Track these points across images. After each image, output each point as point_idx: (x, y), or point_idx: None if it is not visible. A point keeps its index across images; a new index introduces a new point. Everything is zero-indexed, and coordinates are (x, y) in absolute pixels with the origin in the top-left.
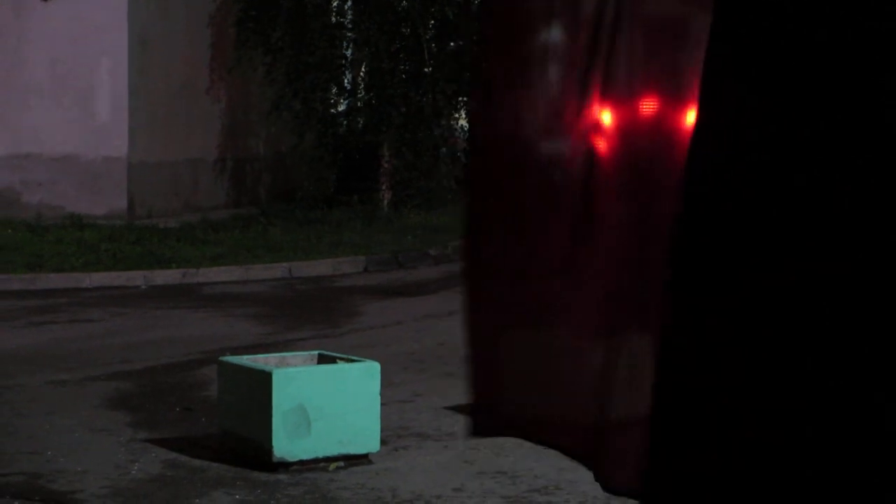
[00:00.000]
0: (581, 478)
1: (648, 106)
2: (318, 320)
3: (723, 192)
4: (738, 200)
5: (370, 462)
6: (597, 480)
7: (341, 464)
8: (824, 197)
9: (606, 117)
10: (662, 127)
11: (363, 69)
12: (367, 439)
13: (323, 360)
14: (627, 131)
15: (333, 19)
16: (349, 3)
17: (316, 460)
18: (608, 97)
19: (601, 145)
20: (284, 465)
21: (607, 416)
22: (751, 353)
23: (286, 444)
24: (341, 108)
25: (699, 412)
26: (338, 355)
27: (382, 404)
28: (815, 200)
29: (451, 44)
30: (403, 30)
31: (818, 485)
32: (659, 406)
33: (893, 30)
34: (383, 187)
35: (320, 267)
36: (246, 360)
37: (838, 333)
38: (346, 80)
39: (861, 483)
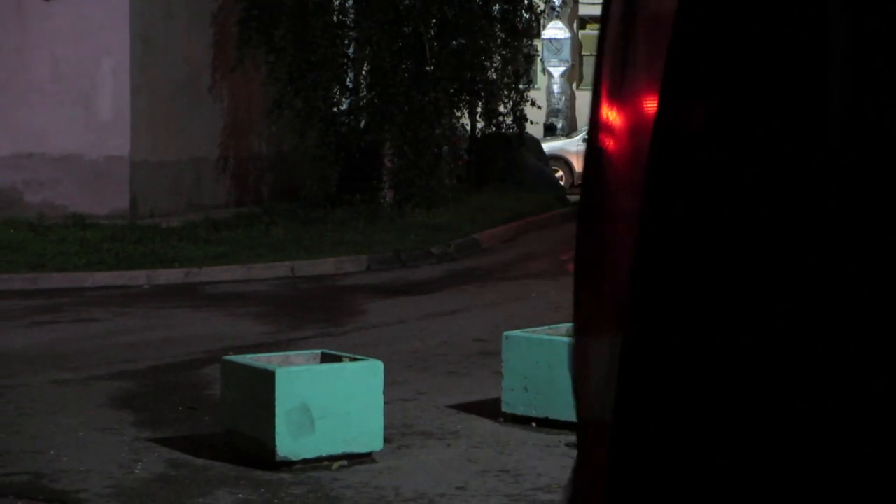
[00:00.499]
0: None
1: (652, 105)
2: (321, 319)
3: (676, 191)
4: (691, 199)
5: (373, 461)
6: None
7: (344, 462)
8: (777, 195)
9: (614, 116)
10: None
11: (365, 68)
12: (370, 438)
13: (326, 358)
14: (634, 130)
15: (335, 18)
16: (351, 2)
17: (319, 459)
18: (615, 95)
19: (610, 144)
20: (288, 464)
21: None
22: (705, 355)
23: (289, 442)
24: (343, 106)
25: (657, 417)
26: (341, 354)
27: (385, 403)
28: (767, 199)
29: (453, 42)
30: (405, 29)
31: (774, 489)
32: (619, 410)
33: (853, 27)
34: (385, 186)
35: (323, 266)
36: (249, 359)
37: (791, 335)
38: (347, 79)
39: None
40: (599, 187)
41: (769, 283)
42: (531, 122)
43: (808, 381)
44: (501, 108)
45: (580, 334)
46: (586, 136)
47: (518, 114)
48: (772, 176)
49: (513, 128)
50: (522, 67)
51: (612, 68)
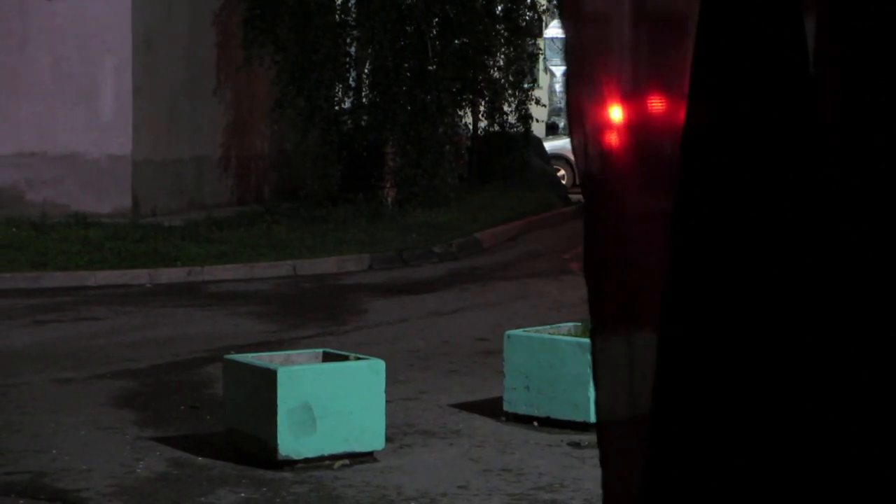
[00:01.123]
0: (585, 475)
1: (656, 104)
2: (323, 318)
3: (708, 193)
4: (723, 201)
5: (375, 460)
6: None
7: (346, 462)
8: (806, 198)
9: (616, 113)
10: (670, 124)
11: (367, 67)
12: (372, 437)
13: (328, 357)
14: (638, 127)
15: (337, 17)
16: (353, 1)
17: (321, 458)
18: (618, 93)
19: (612, 141)
20: (289, 463)
21: (628, 412)
22: (737, 354)
23: (291, 441)
24: (345, 105)
25: (695, 415)
26: (343, 353)
27: (387, 402)
28: (795, 201)
29: (455, 41)
30: (407, 28)
31: (808, 486)
32: (657, 409)
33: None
34: (387, 185)
35: (325, 265)
36: (251, 358)
37: (818, 334)
38: (350, 78)
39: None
40: (604, 186)
41: (798, 284)
42: (536, 121)
43: (847, 375)
44: (505, 107)
45: (594, 334)
46: (572, 135)
47: (523, 112)
48: (801, 175)
49: (518, 127)
50: (527, 66)
51: (613, 68)
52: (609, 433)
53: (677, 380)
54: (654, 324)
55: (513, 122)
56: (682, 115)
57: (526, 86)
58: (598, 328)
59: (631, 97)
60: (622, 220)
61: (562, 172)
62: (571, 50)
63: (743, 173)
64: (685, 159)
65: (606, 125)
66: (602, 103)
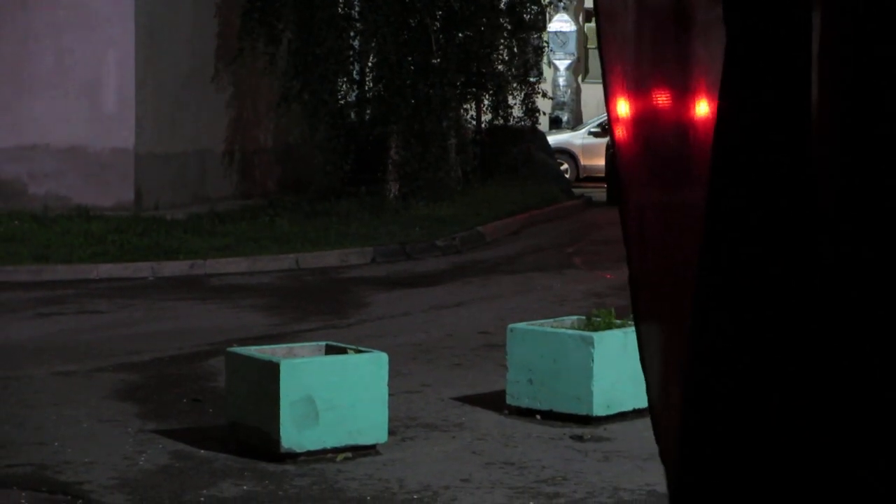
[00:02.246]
0: (588, 468)
1: (662, 98)
2: (326, 311)
3: (738, 185)
4: (751, 193)
5: (378, 453)
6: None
7: (349, 454)
8: (833, 189)
9: (623, 107)
10: (676, 117)
11: (371, 61)
12: (374, 430)
13: (331, 350)
14: (643, 121)
15: (340, 10)
16: None
17: (324, 451)
18: (624, 87)
19: (620, 134)
20: (292, 456)
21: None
22: (765, 346)
23: (294, 434)
24: (350, 99)
25: (727, 404)
26: (346, 346)
27: (390, 395)
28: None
29: (459, 35)
30: (411, 21)
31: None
32: (688, 397)
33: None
34: (391, 178)
35: (328, 258)
36: (254, 350)
37: (841, 325)
38: (354, 72)
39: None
40: (622, 178)
41: (822, 275)
42: (543, 114)
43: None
44: (510, 101)
45: (636, 322)
46: (594, 129)
47: (530, 106)
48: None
49: (524, 120)
50: (532, 59)
51: (625, 63)
52: (659, 415)
53: (709, 373)
54: (675, 315)
55: (518, 115)
56: (686, 107)
57: (532, 79)
58: (636, 315)
59: (637, 91)
60: (643, 213)
61: (565, 166)
62: (602, 44)
63: (768, 168)
64: (714, 151)
65: (620, 118)
66: (617, 96)
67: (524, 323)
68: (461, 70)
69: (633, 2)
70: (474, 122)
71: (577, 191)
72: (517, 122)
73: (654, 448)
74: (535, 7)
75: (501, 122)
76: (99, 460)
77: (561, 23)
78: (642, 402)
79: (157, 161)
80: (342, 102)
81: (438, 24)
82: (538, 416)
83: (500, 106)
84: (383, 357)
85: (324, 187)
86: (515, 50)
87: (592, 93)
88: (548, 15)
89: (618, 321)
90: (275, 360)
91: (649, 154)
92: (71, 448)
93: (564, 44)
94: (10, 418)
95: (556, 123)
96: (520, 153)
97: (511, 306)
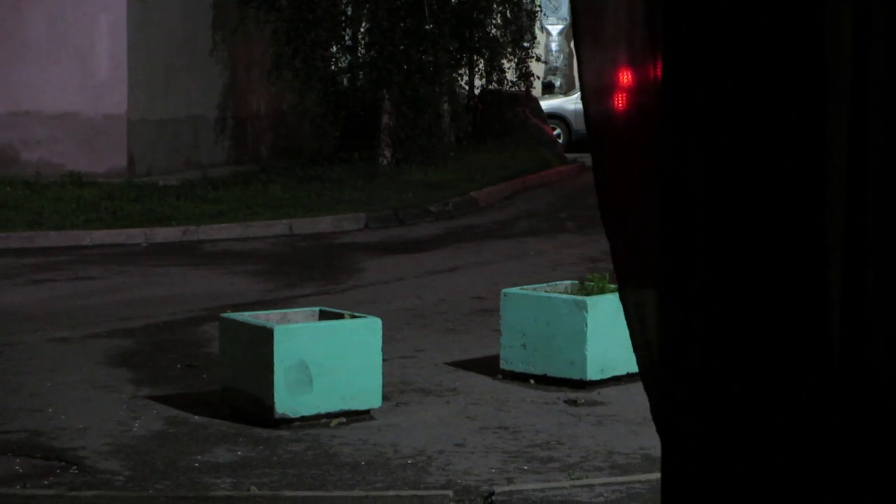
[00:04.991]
0: (582, 432)
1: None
2: (319, 277)
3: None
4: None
5: (372, 418)
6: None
7: (343, 420)
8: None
9: (625, 77)
10: (645, 93)
11: (363, 27)
12: (368, 395)
13: (324, 316)
14: (641, 92)
15: None
16: None
17: (318, 416)
18: (625, 59)
19: (619, 103)
20: (286, 422)
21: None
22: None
23: (288, 400)
24: (342, 65)
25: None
26: (340, 311)
27: (384, 360)
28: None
29: (452, 0)
30: None
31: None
32: (666, 374)
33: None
34: (384, 144)
35: (321, 224)
36: (248, 316)
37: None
38: (346, 37)
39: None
40: (611, 145)
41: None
42: (537, 78)
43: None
44: (505, 65)
45: (619, 288)
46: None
47: (524, 70)
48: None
49: (519, 84)
50: (526, 24)
51: (624, 34)
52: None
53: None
54: (653, 282)
55: (513, 80)
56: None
57: (526, 44)
58: (620, 283)
59: (637, 62)
60: (624, 183)
61: (558, 131)
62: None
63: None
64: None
65: (608, 88)
66: (607, 67)
67: (518, 288)
68: (454, 35)
69: None
70: (467, 88)
71: (570, 156)
72: (512, 87)
73: (648, 412)
74: None
75: (496, 86)
76: (93, 426)
77: None
78: (636, 366)
79: (149, 127)
80: (334, 68)
81: None
82: (532, 381)
83: (494, 71)
84: (377, 322)
85: (315, 153)
86: (509, 15)
87: None
88: None
89: (611, 286)
90: (269, 325)
91: (630, 126)
92: (65, 414)
93: (557, 9)
94: (4, 385)
95: (548, 88)
96: (514, 118)
97: (505, 271)
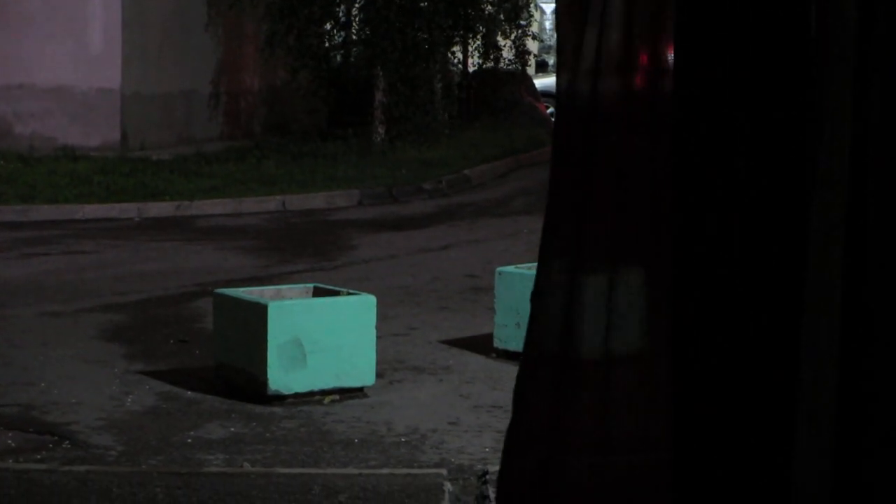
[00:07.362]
0: None
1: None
2: (313, 253)
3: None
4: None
5: (365, 395)
6: None
7: (336, 397)
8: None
9: (637, 60)
10: (651, 82)
11: (357, 3)
12: (362, 372)
13: (319, 292)
14: (655, 73)
15: None
16: None
17: (311, 393)
18: (638, 40)
19: (604, 86)
20: (279, 398)
21: (607, 348)
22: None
23: (281, 376)
24: (336, 41)
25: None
26: (334, 288)
27: (378, 337)
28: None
29: None
30: None
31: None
32: (677, 365)
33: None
34: (378, 121)
35: (314, 200)
36: (241, 292)
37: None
38: (340, 14)
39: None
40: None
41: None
42: (534, 56)
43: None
44: (500, 41)
45: (575, 272)
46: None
47: (521, 48)
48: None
49: (515, 63)
50: (522, 1)
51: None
52: (541, 368)
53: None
54: (643, 264)
55: (509, 58)
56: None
57: (523, 21)
58: (580, 267)
59: (650, 43)
60: (615, 165)
61: (551, 109)
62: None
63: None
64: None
65: (600, 70)
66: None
67: (512, 266)
68: (449, 13)
69: None
70: (461, 66)
71: None
72: (508, 65)
73: None
74: None
75: (492, 65)
76: (86, 401)
77: None
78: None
79: (143, 101)
80: (327, 45)
81: None
82: None
83: (490, 49)
84: (371, 299)
85: (307, 129)
86: None
87: None
88: None
89: None
90: (263, 301)
91: (628, 109)
92: (58, 389)
93: None
94: None
95: (542, 67)
96: (509, 97)
97: (499, 249)
